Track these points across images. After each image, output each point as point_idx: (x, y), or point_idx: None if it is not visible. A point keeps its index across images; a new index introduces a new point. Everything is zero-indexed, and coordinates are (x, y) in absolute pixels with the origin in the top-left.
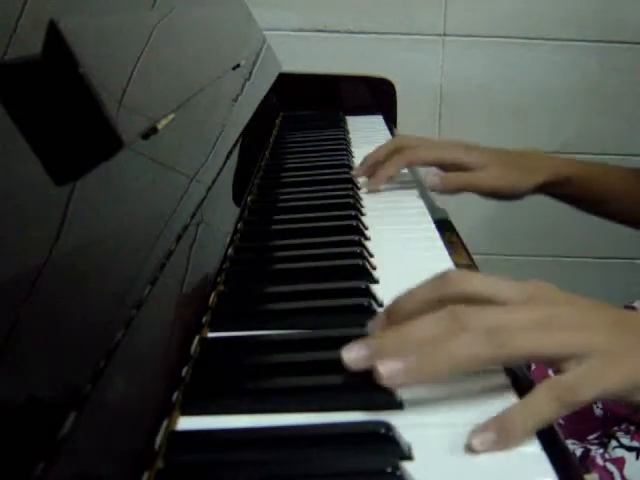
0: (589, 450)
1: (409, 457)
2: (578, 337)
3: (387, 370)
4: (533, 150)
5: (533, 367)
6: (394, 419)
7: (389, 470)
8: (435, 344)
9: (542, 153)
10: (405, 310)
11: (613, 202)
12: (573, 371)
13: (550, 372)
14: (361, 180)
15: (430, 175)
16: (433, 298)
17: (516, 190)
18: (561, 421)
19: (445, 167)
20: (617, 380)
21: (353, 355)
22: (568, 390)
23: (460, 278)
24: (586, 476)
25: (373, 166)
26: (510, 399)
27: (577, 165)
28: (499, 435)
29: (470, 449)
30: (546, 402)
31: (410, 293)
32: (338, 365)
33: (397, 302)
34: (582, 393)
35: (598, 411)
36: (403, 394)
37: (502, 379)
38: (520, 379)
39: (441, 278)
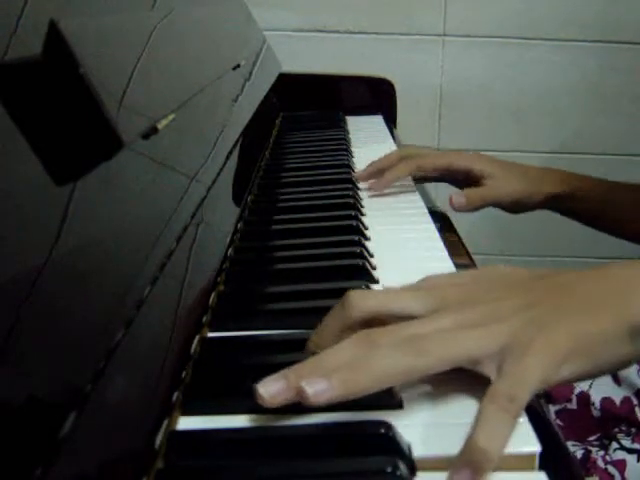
0: (590, 452)
1: (409, 457)
2: (486, 335)
3: (312, 388)
4: (538, 167)
5: None
6: (394, 419)
7: (389, 470)
8: (354, 362)
9: (548, 167)
10: (316, 344)
11: (627, 220)
12: (499, 376)
13: None
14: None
15: (454, 196)
16: (339, 326)
17: (532, 201)
18: (560, 422)
19: (453, 177)
20: (540, 371)
21: (271, 389)
22: (507, 399)
23: (359, 299)
24: (587, 479)
25: (377, 173)
26: None
27: (585, 179)
28: (475, 472)
29: None
30: (498, 419)
31: (318, 328)
32: None
33: (309, 340)
34: (519, 397)
35: (595, 412)
36: (403, 394)
37: None
38: None
39: (341, 304)
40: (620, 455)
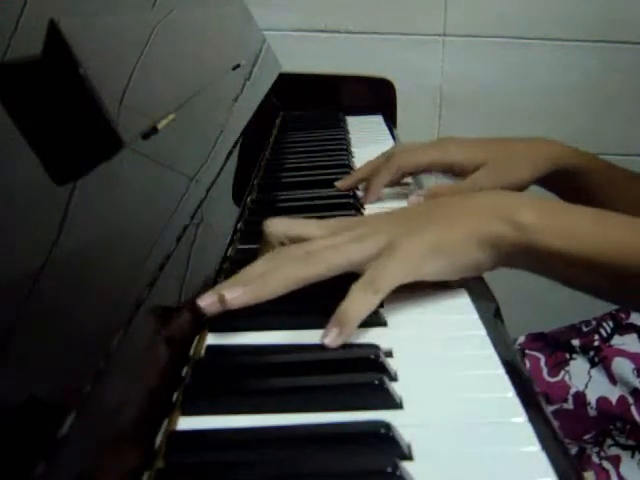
0: (584, 449)
1: (409, 457)
2: (366, 245)
3: (231, 294)
4: (536, 138)
5: (527, 365)
6: (394, 419)
7: (389, 470)
8: (264, 274)
9: (545, 140)
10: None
11: (615, 201)
12: (369, 269)
13: (545, 374)
14: (361, 187)
15: (411, 197)
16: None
17: (513, 188)
18: (556, 423)
19: (440, 171)
20: (399, 267)
21: (206, 301)
22: (369, 283)
23: (272, 225)
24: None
25: (358, 182)
26: (508, 398)
27: (582, 156)
28: (340, 329)
29: (325, 346)
30: (359, 294)
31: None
32: (338, 365)
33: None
34: (378, 282)
35: (592, 412)
36: (403, 394)
37: (501, 379)
38: (519, 379)
39: (263, 231)
40: (615, 451)
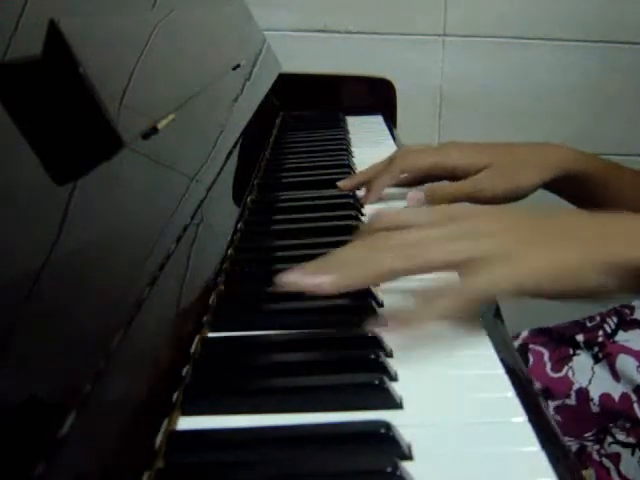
0: (585, 446)
1: (409, 457)
2: (477, 245)
3: (315, 281)
4: (543, 142)
5: (531, 363)
6: (394, 419)
7: (389, 470)
8: (354, 262)
9: (553, 144)
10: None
11: (624, 203)
12: (472, 273)
13: (548, 369)
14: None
15: (410, 194)
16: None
17: (518, 192)
18: (559, 418)
19: (442, 174)
20: (505, 281)
21: (290, 278)
22: (461, 293)
23: (384, 215)
24: (583, 472)
25: (361, 184)
26: (508, 398)
27: (590, 159)
28: (401, 328)
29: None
30: (447, 295)
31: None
32: (338, 365)
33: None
34: (475, 289)
35: (595, 408)
36: (403, 394)
37: (501, 379)
38: (519, 379)
39: (370, 218)
40: (615, 449)
